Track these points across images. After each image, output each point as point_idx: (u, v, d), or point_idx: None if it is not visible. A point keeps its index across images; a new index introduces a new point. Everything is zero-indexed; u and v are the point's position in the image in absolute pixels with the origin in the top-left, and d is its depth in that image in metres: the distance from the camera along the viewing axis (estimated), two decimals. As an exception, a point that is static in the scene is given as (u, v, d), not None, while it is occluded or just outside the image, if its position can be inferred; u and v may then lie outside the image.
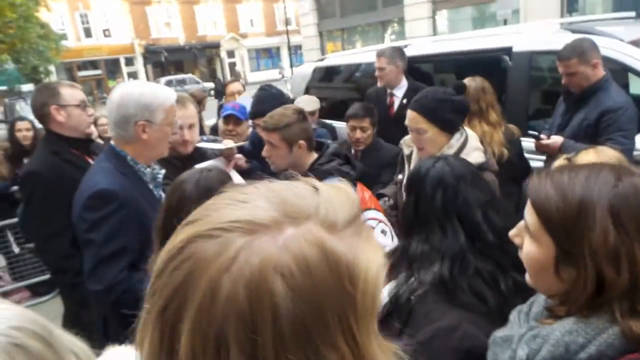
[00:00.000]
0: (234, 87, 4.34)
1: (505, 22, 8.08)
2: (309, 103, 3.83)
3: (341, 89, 5.14)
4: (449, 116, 2.02)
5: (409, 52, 3.94)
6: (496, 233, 1.16)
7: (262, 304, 0.41)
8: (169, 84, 22.53)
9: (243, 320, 0.41)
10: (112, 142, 1.86)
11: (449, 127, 2.03)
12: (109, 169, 1.79)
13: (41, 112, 2.21)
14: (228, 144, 2.47)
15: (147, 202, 1.81)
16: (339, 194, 0.49)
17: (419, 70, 4.19)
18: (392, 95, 3.66)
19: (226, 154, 2.41)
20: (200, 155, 2.39)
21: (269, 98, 2.66)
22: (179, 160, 2.30)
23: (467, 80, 2.58)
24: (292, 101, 3.52)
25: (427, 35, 10.68)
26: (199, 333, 0.42)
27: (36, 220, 2.20)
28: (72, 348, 0.88)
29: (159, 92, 1.82)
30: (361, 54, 5.07)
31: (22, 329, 0.77)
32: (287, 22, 25.59)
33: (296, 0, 17.59)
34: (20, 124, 4.56)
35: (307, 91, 5.00)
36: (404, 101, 3.51)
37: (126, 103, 1.75)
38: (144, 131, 1.78)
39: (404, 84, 3.63)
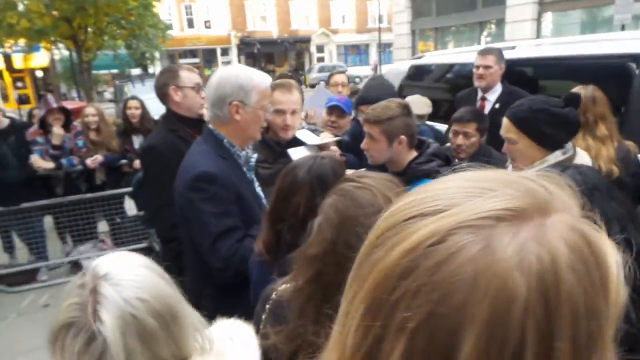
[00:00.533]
0: (339, 78, 4.23)
1: (623, 28, 7.36)
2: (420, 105, 3.63)
3: (437, 89, 4.99)
4: (544, 128, 1.79)
5: (515, 54, 3.73)
6: (636, 248, 1.06)
7: (561, 305, 0.36)
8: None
9: (540, 325, 0.35)
10: (209, 125, 1.95)
11: (544, 140, 1.81)
12: (208, 151, 1.87)
13: (162, 92, 2.40)
14: (325, 137, 2.46)
15: (242, 184, 1.89)
16: (560, 183, 0.44)
17: (524, 74, 3.94)
18: (483, 99, 3.49)
19: (321, 149, 2.39)
20: (299, 143, 2.44)
21: (378, 88, 2.64)
22: (279, 145, 2.35)
23: (577, 89, 2.38)
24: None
25: (529, 38, 10.05)
26: (492, 342, 0.35)
27: (150, 191, 2.39)
28: (195, 324, 0.92)
29: (254, 75, 1.87)
30: (464, 53, 4.87)
31: (147, 302, 0.81)
32: (379, 20, 25.34)
33: (391, -3, 17.42)
34: (131, 102, 4.96)
35: (401, 89, 4.91)
36: (497, 106, 3.35)
37: (224, 83, 1.83)
38: (237, 112, 1.83)
39: (498, 88, 3.47)
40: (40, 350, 3.60)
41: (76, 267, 5.02)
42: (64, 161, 4.59)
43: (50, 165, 4.52)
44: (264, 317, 1.17)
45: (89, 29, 11.02)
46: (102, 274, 0.82)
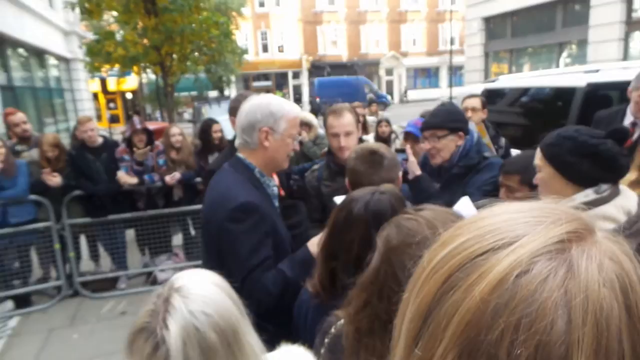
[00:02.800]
0: (470, 102, 3.96)
1: None
2: None
3: (511, 114, 4.81)
4: (567, 157, 1.58)
5: (599, 78, 3.50)
6: None
7: (639, 312, 0.39)
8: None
9: (632, 336, 0.38)
10: (238, 154, 1.96)
11: (569, 172, 1.58)
12: (243, 181, 1.87)
13: (233, 116, 2.53)
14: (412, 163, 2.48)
15: (274, 215, 1.90)
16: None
17: (609, 99, 3.69)
18: (634, 125, 2.97)
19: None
20: None
21: (442, 113, 2.60)
22: (335, 165, 2.52)
23: None
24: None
25: (615, 59, 9.40)
26: None
27: None
28: (254, 347, 0.94)
29: (285, 104, 1.92)
30: (542, 77, 4.66)
31: (211, 317, 0.86)
32: (451, 42, 24.96)
33: (463, 20, 17.11)
34: (215, 126, 5.32)
35: (472, 114, 4.78)
36: None
37: (254, 110, 1.87)
38: (267, 138, 1.86)
39: None
40: (116, 355, 3.80)
41: (151, 277, 5.35)
42: (146, 177, 4.96)
43: (134, 180, 4.90)
44: (322, 351, 1.15)
45: (174, 56, 11.97)
46: (177, 287, 0.90)
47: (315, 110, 18.36)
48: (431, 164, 2.49)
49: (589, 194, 1.55)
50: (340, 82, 27.31)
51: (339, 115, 2.48)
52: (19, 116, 5.03)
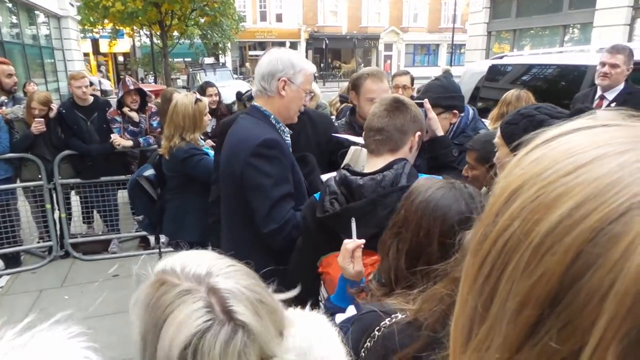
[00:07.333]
0: (401, 80, 4.03)
1: None
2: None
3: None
4: (521, 136, 1.46)
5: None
6: None
7: None
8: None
9: None
10: (254, 103, 2.07)
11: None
12: (261, 124, 1.99)
13: None
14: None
15: (291, 156, 1.99)
16: None
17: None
18: (602, 97, 3.32)
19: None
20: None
21: (436, 89, 2.49)
22: (361, 128, 2.41)
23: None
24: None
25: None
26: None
27: None
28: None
29: (305, 60, 2.06)
30: (552, 55, 4.56)
31: (260, 286, 0.83)
32: (454, 19, 24.57)
33: (468, -4, 16.82)
34: (210, 89, 5.16)
35: (477, 90, 4.70)
36: (612, 105, 3.17)
37: (276, 59, 1.98)
38: (284, 88, 1.98)
39: (619, 87, 3.28)
40: (108, 317, 3.81)
41: (143, 241, 5.29)
42: (141, 140, 4.83)
43: (129, 143, 4.77)
44: (362, 353, 1.04)
45: (176, 14, 11.61)
46: (204, 273, 0.79)
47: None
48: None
49: None
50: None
51: (379, 79, 2.47)
52: (12, 68, 4.87)
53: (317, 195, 1.73)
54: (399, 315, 1.02)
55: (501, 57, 5.24)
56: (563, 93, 3.96)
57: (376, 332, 1.02)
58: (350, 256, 1.43)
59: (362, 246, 1.44)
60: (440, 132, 2.04)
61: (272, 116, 2.02)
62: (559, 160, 0.37)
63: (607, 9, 10.11)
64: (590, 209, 0.33)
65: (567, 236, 0.34)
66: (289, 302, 0.93)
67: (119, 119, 4.86)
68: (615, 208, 0.33)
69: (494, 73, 4.85)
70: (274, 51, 2.06)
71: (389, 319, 1.03)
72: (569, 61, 4.01)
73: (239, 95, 5.61)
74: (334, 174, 1.74)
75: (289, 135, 2.09)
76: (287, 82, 1.98)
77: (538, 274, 0.35)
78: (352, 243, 1.44)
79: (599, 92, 3.34)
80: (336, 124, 2.69)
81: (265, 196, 1.84)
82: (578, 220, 0.34)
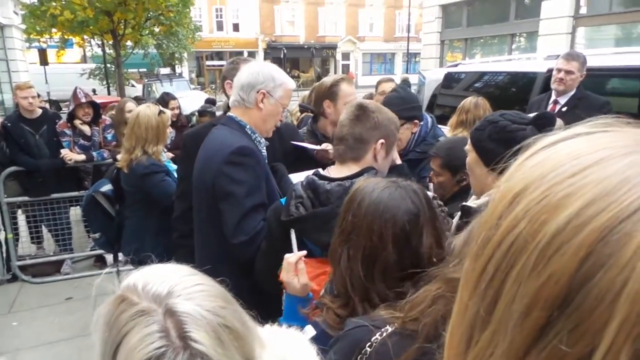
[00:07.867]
0: (387, 86, 4.00)
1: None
2: None
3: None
4: (487, 143, 1.51)
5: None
6: None
7: None
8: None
9: None
10: (230, 113, 2.05)
11: (488, 159, 1.48)
12: (237, 133, 1.96)
13: (222, 85, 2.53)
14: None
15: (265, 166, 1.98)
16: None
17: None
18: (555, 102, 3.49)
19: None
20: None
21: (396, 101, 2.51)
22: (324, 137, 2.47)
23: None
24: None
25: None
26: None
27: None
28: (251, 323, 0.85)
29: (285, 76, 2.05)
30: (503, 62, 4.74)
31: (227, 309, 0.74)
32: (408, 29, 25.24)
33: (421, 7, 17.29)
34: (172, 102, 5.06)
35: (435, 98, 4.81)
36: (564, 109, 3.33)
37: (257, 71, 1.98)
38: (262, 100, 1.96)
39: (572, 92, 3.45)
40: (61, 343, 3.57)
41: (99, 260, 5.04)
42: (95, 154, 4.62)
43: (82, 157, 4.55)
44: None
45: (129, 23, 11.20)
46: (165, 293, 0.71)
47: None
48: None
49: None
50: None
51: (351, 82, 2.50)
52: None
53: (282, 200, 1.71)
54: (389, 329, 0.99)
55: (456, 65, 5.39)
56: (514, 99, 4.12)
57: (367, 348, 0.97)
58: (294, 270, 1.39)
59: (304, 258, 1.42)
60: (398, 161, 2.03)
61: (248, 126, 2.00)
62: (563, 162, 0.36)
63: (550, 18, 10.69)
64: (600, 208, 0.33)
65: (576, 236, 0.33)
66: (262, 313, 0.87)
67: (68, 132, 4.63)
68: (625, 207, 0.32)
69: (450, 80, 4.98)
70: (257, 63, 2.06)
71: (379, 333, 0.98)
72: (520, 68, 4.18)
73: (202, 111, 5.54)
74: (305, 173, 1.73)
75: (264, 147, 2.06)
76: (265, 95, 1.96)
77: (546, 274, 0.34)
78: (294, 256, 1.41)
79: (553, 97, 3.50)
80: (300, 132, 2.68)
81: (235, 205, 1.80)
82: (587, 220, 0.33)
